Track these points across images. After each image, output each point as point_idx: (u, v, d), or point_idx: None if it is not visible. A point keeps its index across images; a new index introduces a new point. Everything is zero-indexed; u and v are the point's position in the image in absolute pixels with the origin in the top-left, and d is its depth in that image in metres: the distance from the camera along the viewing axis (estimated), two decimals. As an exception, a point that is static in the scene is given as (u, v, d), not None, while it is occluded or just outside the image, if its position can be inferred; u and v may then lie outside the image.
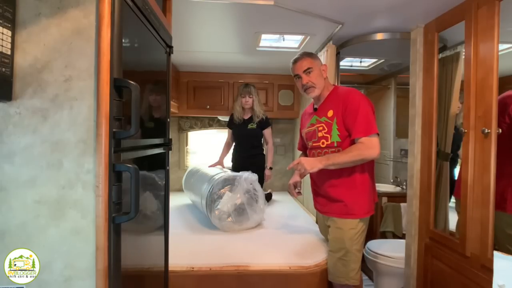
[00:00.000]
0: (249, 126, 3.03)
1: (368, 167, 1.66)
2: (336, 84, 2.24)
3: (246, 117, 3.07)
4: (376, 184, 3.27)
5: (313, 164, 1.55)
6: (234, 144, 3.20)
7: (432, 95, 1.80)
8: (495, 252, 0.92)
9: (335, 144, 1.63)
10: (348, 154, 1.55)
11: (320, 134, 1.69)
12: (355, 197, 1.62)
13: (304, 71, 1.66)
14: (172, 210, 2.46)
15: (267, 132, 3.07)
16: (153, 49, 1.21)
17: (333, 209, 1.66)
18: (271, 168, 3.06)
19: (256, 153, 3.08)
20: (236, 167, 3.03)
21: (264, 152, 3.20)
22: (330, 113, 1.65)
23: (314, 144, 1.73)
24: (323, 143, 1.68)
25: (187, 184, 2.99)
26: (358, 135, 1.54)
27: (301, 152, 2.01)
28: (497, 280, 0.93)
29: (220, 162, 3.09)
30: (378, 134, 1.56)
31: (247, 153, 3.06)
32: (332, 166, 1.56)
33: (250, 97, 2.99)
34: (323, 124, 1.68)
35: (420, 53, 1.89)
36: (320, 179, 1.71)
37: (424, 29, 1.88)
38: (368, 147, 1.53)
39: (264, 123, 3.05)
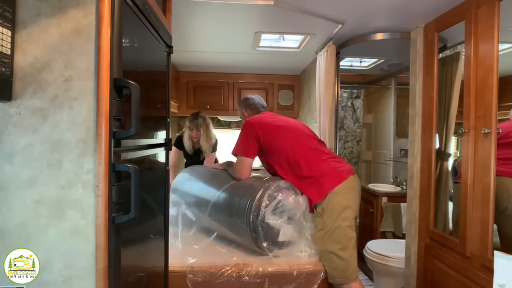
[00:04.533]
0: (202, 158, 2.87)
1: (285, 165, 1.77)
2: (337, 83, 2.26)
3: (197, 146, 2.87)
4: (376, 184, 3.28)
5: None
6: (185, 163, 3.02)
7: (432, 95, 1.80)
8: (495, 252, 0.92)
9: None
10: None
11: None
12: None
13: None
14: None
15: (210, 158, 2.82)
16: (153, 49, 1.20)
17: None
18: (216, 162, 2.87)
19: None
20: None
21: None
22: None
23: None
24: None
25: (184, 184, 2.32)
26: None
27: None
28: (497, 280, 0.93)
29: None
30: (247, 156, 1.77)
31: None
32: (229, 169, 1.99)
33: (198, 131, 2.75)
34: None
35: (420, 53, 1.89)
36: None
37: (424, 29, 1.88)
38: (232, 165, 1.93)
39: (212, 149, 2.84)
